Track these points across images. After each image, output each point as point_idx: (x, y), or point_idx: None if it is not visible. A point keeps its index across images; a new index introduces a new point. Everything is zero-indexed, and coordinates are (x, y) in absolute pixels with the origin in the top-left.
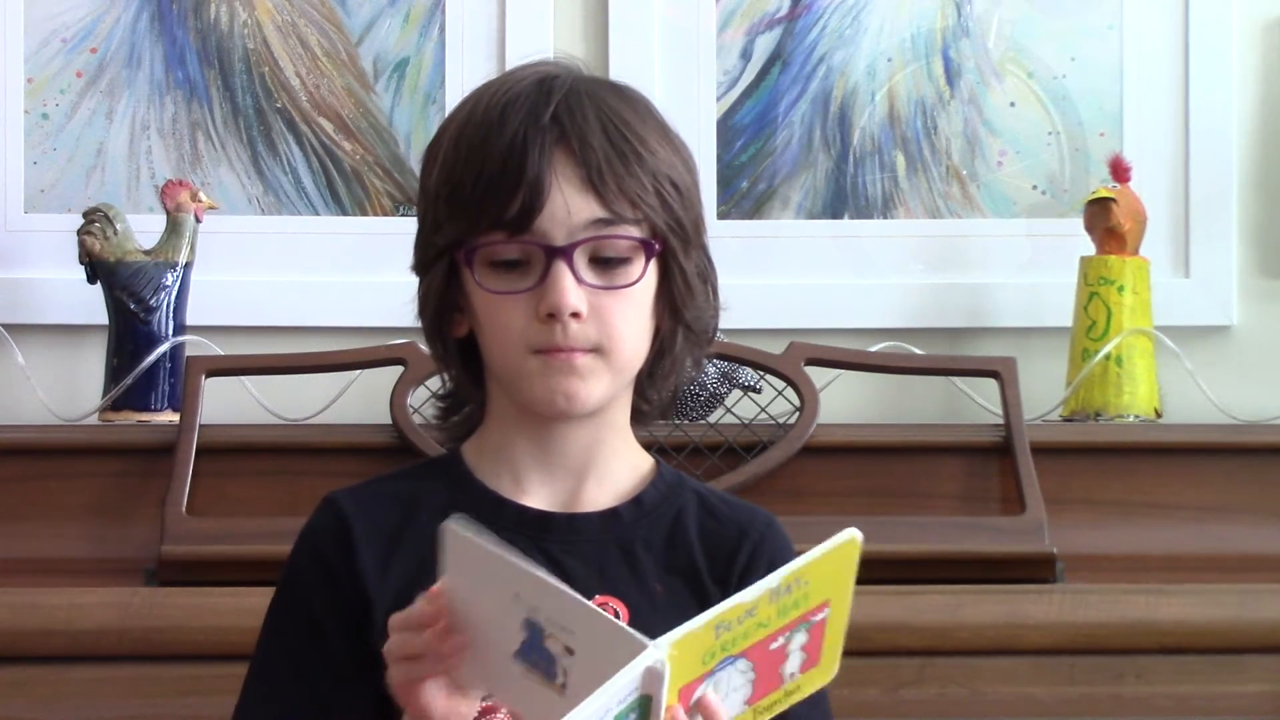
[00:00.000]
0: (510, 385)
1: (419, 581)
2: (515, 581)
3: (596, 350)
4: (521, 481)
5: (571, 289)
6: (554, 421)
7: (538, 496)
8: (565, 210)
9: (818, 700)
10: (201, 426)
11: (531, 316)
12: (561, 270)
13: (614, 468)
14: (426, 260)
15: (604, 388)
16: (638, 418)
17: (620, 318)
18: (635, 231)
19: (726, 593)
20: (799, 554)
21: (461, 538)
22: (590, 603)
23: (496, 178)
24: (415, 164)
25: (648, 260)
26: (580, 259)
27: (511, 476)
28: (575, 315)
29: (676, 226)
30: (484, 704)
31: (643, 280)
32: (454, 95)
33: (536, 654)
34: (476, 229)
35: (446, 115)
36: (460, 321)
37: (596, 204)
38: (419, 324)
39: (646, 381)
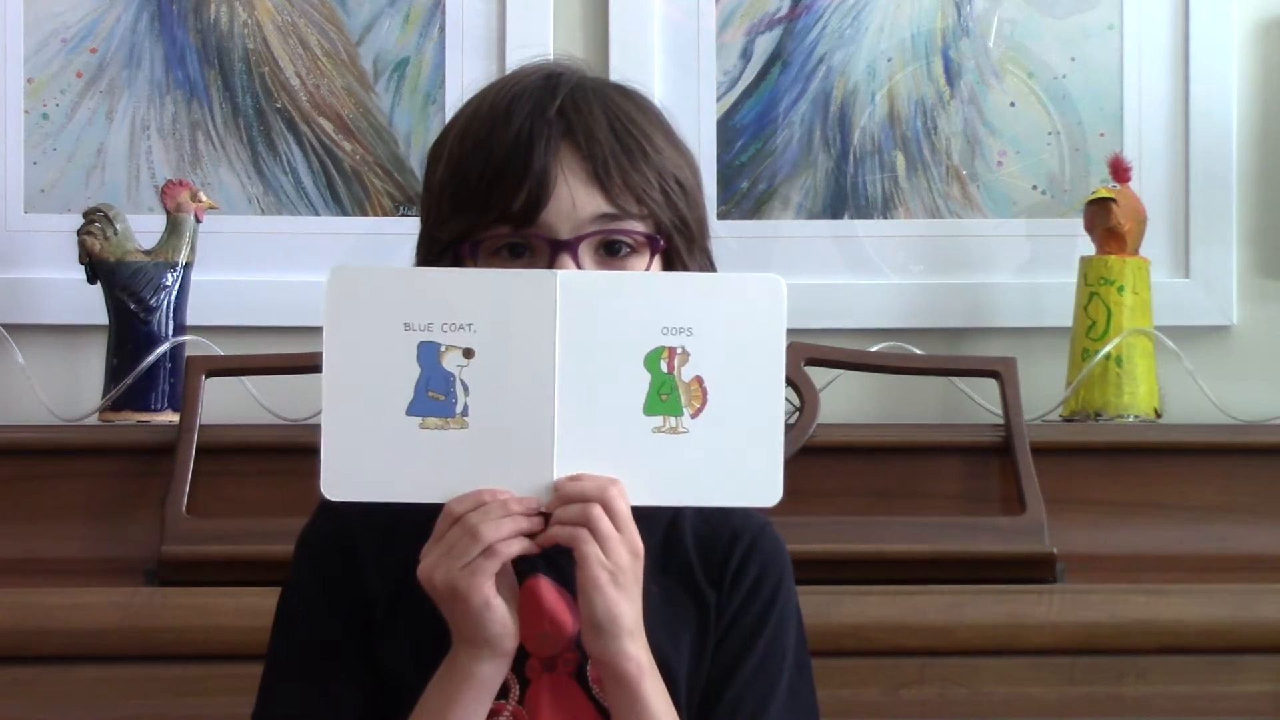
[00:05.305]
0: None
1: (414, 568)
2: (404, 296)
3: None
4: None
5: None
6: None
7: None
8: (571, 204)
9: (806, 704)
10: (201, 426)
11: None
12: (566, 264)
13: None
14: (431, 257)
15: None
16: None
17: None
18: (640, 227)
19: (720, 595)
20: (793, 557)
21: (343, 272)
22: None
23: (502, 170)
24: (415, 164)
25: (652, 255)
26: (585, 253)
27: None
28: None
29: (681, 224)
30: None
31: None
32: (454, 95)
33: (435, 383)
34: (482, 222)
35: (450, 113)
36: None
37: (602, 198)
38: None
39: None
